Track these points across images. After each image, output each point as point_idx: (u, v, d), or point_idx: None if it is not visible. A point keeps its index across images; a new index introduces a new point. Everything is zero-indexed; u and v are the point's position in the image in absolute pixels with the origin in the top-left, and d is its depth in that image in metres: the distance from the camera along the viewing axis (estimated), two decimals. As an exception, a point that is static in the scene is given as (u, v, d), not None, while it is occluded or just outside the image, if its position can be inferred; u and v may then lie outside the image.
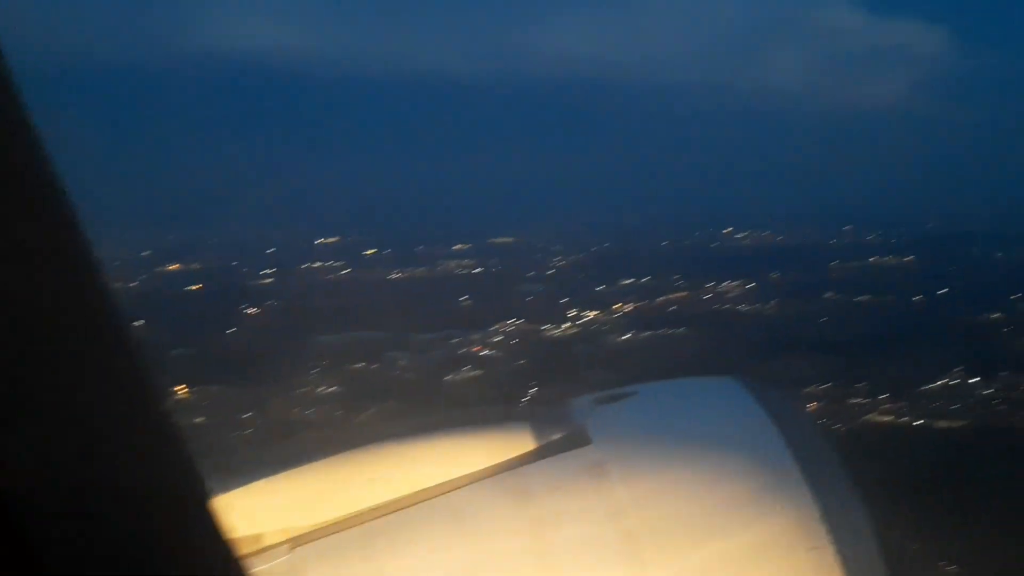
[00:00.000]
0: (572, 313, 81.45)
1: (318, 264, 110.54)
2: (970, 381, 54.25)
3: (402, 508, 3.78)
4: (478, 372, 64.73)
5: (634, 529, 3.71)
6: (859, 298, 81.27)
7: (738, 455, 4.06)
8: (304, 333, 72.22)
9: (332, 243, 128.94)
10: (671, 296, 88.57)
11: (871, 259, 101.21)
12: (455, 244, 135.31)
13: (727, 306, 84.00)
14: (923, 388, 54.01)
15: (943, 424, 51.11)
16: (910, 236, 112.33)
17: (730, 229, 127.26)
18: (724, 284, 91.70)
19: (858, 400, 53.60)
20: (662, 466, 4.04)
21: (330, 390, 58.32)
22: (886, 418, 52.36)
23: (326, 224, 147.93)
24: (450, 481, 3.87)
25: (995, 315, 70.65)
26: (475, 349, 71.21)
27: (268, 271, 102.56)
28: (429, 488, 3.84)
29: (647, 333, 74.13)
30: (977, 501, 39.24)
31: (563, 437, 4.10)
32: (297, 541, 3.64)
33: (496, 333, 75.12)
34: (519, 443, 4.06)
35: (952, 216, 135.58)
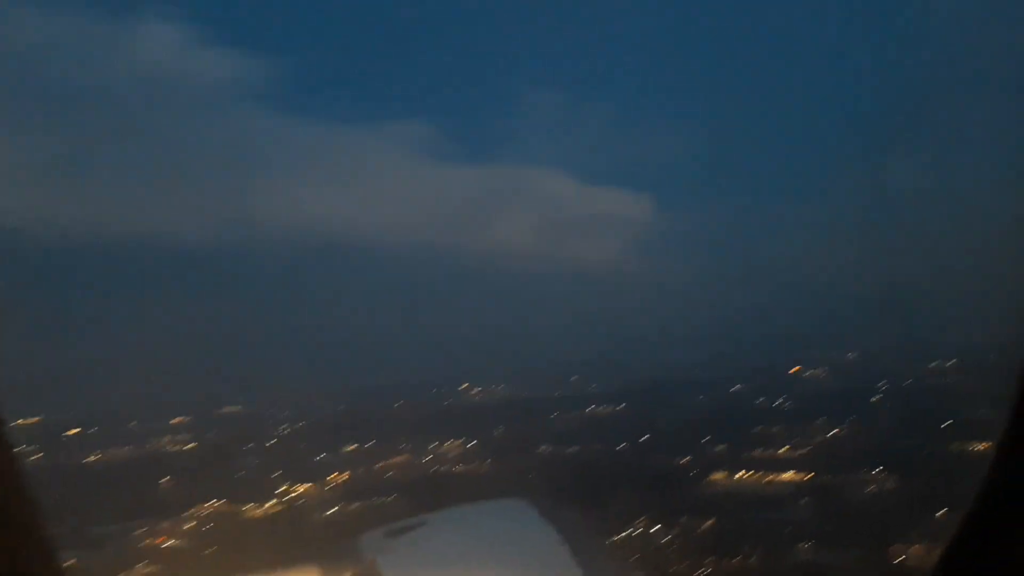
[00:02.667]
0: (282, 489, 76.47)
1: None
2: (651, 531, 55.83)
3: None
4: (153, 569, 57.38)
5: None
6: (570, 449, 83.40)
7: (531, 572, 7.84)
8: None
9: (29, 424, 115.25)
10: (391, 461, 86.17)
11: (588, 409, 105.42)
12: (175, 417, 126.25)
13: (444, 467, 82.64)
14: (608, 541, 54.65)
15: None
16: (625, 385, 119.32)
17: (465, 385, 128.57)
18: (447, 444, 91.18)
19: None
20: None
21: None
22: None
23: (27, 403, 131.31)
24: None
25: (684, 459, 74.87)
26: (159, 540, 63.70)
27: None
28: None
29: (356, 504, 70.55)
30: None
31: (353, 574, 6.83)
32: None
33: (190, 519, 68.20)
34: None
35: (663, 363, 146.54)
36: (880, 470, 63.46)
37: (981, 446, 68.87)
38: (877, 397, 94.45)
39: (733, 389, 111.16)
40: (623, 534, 55.71)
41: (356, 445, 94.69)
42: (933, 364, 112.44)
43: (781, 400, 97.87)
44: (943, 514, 53.08)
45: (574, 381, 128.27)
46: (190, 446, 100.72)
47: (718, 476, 68.79)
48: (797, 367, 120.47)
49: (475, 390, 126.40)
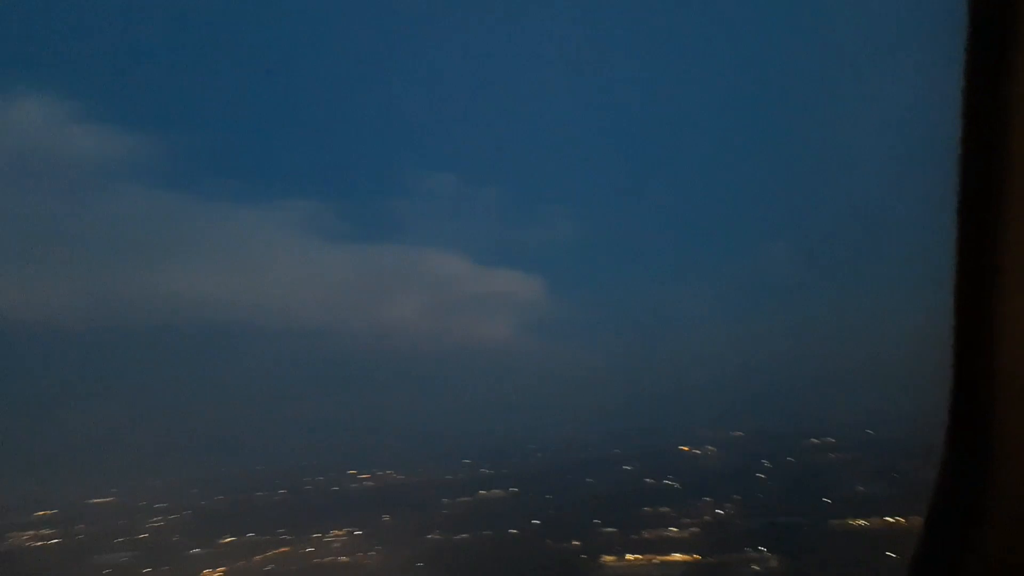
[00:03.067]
0: (148, 588, 70.83)
1: None
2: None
3: None
4: None
5: None
6: (460, 536, 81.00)
7: None
8: None
9: None
10: (270, 553, 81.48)
11: (479, 494, 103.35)
12: (39, 510, 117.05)
13: (328, 558, 78.68)
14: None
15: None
16: (518, 467, 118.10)
17: (353, 471, 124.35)
18: (331, 533, 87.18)
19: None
20: None
21: None
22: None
23: None
24: None
25: (575, 543, 73.88)
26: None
27: None
28: None
29: (228, 604, 65.95)
30: None
31: None
32: None
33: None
34: None
35: (556, 444, 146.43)
36: (763, 550, 64.16)
37: (859, 522, 71.07)
38: (761, 475, 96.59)
39: (623, 469, 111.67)
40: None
41: (234, 538, 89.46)
42: (816, 441, 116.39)
43: (669, 480, 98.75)
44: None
45: (466, 464, 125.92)
46: (55, 542, 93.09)
47: (608, 560, 68.04)
48: (685, 446, 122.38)
49: (363, 476, 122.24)
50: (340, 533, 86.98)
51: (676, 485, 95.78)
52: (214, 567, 77.23)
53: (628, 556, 67.46)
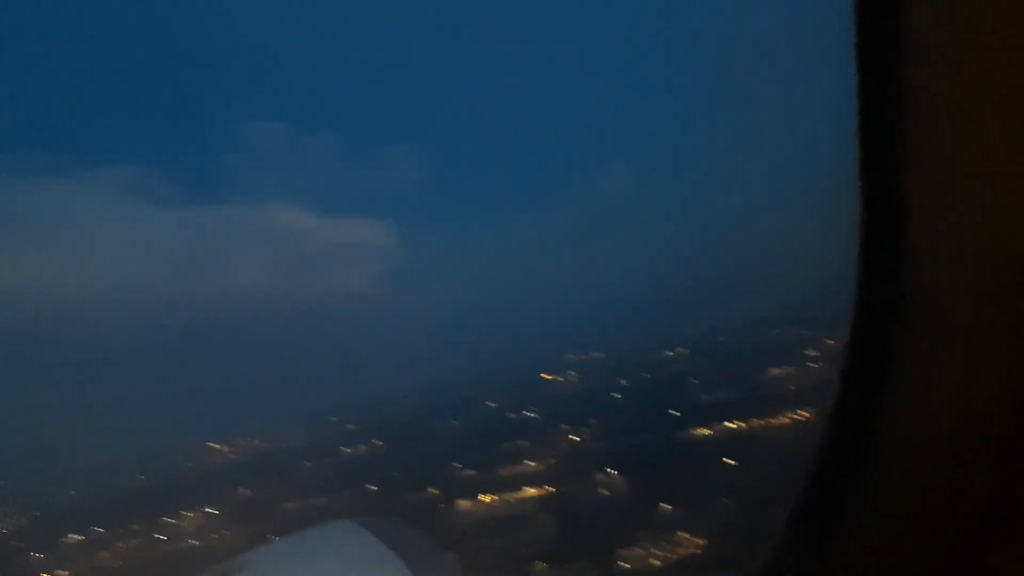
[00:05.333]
0: (-25, 607, 65.47)
1: None
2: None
3: None
4: None
5: None
6: (317, 501, 78.72)
7: None
8: None
9: None
10: (118, 547, 77.13)
11: (344, 450, 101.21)
12: None
13: (180, 544, 75.00)
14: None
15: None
16: (383, 420, 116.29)
17: (210, 445, 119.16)
18: (185, 516, 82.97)
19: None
20: None
21: None
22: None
23: None
24: None
25: (434, 490, 73.08)
26: None
27: None
28: None
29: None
30: None
31: None
32: None
33: None
34: None
35: (421, 391, 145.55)
36: (612, 472, 65.18)
37: (702, 431, 73.37)
38: (617, 395, 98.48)
39: (488, 406, 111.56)
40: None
41: (80, 536, 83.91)
42: (670, 354, 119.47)
43: (530, 411, 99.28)
44: (667, 510, 55.29)
45: (331, 423, 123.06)
46: None
47: (464, 504, 67.56)
48: (547, 375, 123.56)
49: (223, 448, 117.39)
50: (193, 515, 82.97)
51: (536, 416, 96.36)
52: (51, 572, 72.20)
53: (482, 498, 67.21)
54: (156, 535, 79.65)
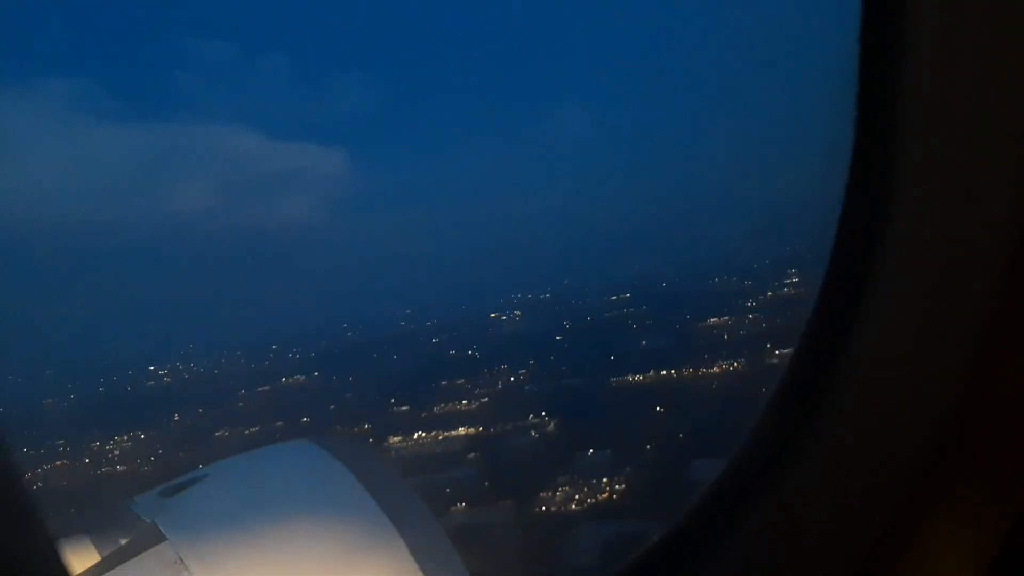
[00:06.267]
0: None
1: None
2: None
3: None
4: None
5: None
6: (249, 430, 78.18)
7: (327, 515, 3.97)
8: None
9: None
10: (44, 468, 75.71)
11: (282, 380, 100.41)
12: None
13: (105, 468, 74.19)
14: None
15: None
16: (326, 349, 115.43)
17: (153, 367, 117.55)
18: (114, 440, 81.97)
19: None
20: (247, 545, 3.75)
21: None
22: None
23: None
24: None
25: (367, 425, 73.08)
26: None
27: None
28: None
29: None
30: None
31: (131, 541, 3.67)
32: None
33: None
34: (80, 558, 3.44)
35: (366, 321, 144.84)
36: (544, 415, 65.54)
37: (637, 377, 74.00)
38: (559, 337, 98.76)
39: (432, 342, 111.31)
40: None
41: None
42: (615, 298, 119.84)
43: (472, 350, 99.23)
44: (590, 454, 55.82)
45: (273, 351, 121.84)
46: None
47: (395, 440, 67.61)
48: (494, 313, 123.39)
49: (162, 372, 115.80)
50: (123, 439, 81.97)
51: (478, 355, 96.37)
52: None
53: (415, 435, 67.29)
54: (83, 459, 78.64)
